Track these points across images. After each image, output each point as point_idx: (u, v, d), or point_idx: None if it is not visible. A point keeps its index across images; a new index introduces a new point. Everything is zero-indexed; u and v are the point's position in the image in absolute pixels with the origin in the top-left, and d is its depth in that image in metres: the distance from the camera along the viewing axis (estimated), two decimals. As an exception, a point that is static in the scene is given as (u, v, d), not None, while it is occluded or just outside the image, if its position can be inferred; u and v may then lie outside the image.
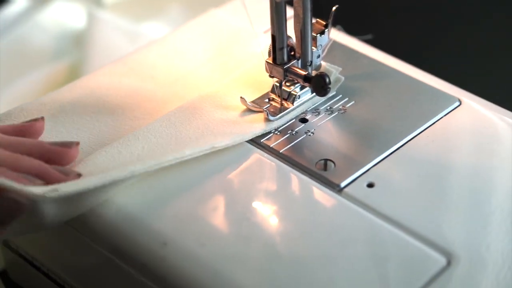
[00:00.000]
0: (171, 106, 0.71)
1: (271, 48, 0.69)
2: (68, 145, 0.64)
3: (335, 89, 0.72)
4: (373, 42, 0.78)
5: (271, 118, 0.69)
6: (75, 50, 1.05)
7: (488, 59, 0.96)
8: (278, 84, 0.71)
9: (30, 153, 0.62)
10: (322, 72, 0.67)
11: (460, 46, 0.99)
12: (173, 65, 0.76)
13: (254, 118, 0.70)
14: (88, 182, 0.60)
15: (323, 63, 0.73)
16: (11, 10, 1.08)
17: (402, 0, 0.93)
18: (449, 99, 0.71)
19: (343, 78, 0.72)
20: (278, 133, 0.69)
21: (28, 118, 0.69)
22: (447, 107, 0.71)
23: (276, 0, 0.64)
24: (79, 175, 0.62)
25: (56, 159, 0.63)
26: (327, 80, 0.66)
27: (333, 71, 0.72)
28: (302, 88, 0.71)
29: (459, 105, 0.71)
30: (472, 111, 0.71)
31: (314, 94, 0.71)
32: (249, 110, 0.70)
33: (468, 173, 0.65)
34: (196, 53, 0.78)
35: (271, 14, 0.67)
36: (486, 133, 0.69)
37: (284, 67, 0.69)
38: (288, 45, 0.69)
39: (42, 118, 0.67)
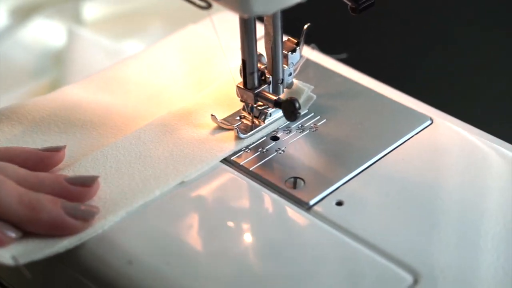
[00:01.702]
0: (142, 122, 0.71)
1: (241, 67, 0.69)
2: (89, 183, 0.63)
3: (307, 107, 0.72)
4: (347, 61, 0.78)
5: (241, 136, 0.69)
6: (56, 67, 1.05)
7: (463, 79, 0.97)
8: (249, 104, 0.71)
9: (50, 192, 0.62)
10: (292, 98, 0.67)
11: (434, 66, 0.99)
12: (147, 81, 0.76)
13: (224, 136, 0.69)
14: (56, 247, 0.60)
15: (295, 81, 0.72)
16: (-10, 28, 1.08)
17: (376, 19, 0.93)
18: (421, 117, 0.71)
19: (315, 96, 0.72)
20: (249, 151, 0.69)
21: None
22: (419, 126, 0.71)
23: (243, 16, 0.64)
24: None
25: (75, 198, 0.63)
26: (297, 105, 0.66)
27: (305, 89, 0.72)
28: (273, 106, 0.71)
29: (430, 124, 0.71)
30: (443, 130, 0.71)
31: (285, 112, 0.71)
32: (220, 128, 0.70)
33: (438, 192, 0.65)
34: (172, 69, 0.77)
35: (241, 36, 0.67)
36: (457, 152, 0.69)
37: (255, 91, 0.69)
38: (258, 70, 0.69)
39: (64, 146, 0.67)
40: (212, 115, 0.70)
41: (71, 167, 0.66)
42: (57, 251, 0.60)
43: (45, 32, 1.08)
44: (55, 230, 0.61)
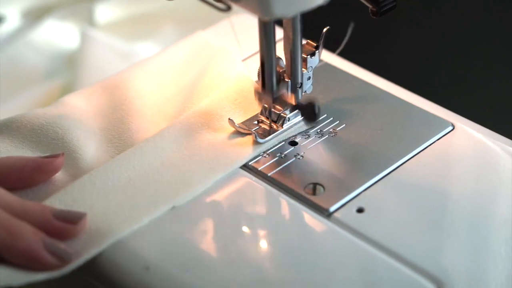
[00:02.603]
0: (143, 133, 0.69)
1: (260, 70, 0.68)
2: (75, 219, 0.61)
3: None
4: (365, 65, 0.77)
5: (259, 140, 0.68)
6: (68, 69, 1.05)
7: (486, 84, 0.96)
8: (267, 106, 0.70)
9: (34, 224, 0.60)
10: (312, 101, 0.65)
11: (456, 69, 0.98)
12: (152, 90, 0.74)
13: (241, 141, 0.68)
14: (36, 276, 0.59)
15: None
16: (3, 29, 1.07)
17: (396, 23, 0.93)
18: (442, 123, 0.70)
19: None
20: (267, 156, 0.68)
21: None
22: (440, 132, 0.69)
23: (263, 19, 0.63)
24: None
25: (57, 234, 0.61)
26: (317, 110, 0.65)
27: None
28: (292, 110, 0.70)
29: (452, 130, 0.70)
30: (465, 135, 0.69)
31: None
32: (238, 132, 0.69)
33: (460, 199, 0.64)
34: (179, 78, 0.75)
35: (260, 37, 0.65)
36: (479, 158, 0.68)
37: (274, 96, 0.67)
38: (277, 72, 0.67)
39: (62, 154, 0.66)
40: (229, 119, 0.69)
41: (57, 195, 0.64)
42: (36, 280, 0.59)
43: (57, 34, 1.08)
44: (30, 262, 0.59)
